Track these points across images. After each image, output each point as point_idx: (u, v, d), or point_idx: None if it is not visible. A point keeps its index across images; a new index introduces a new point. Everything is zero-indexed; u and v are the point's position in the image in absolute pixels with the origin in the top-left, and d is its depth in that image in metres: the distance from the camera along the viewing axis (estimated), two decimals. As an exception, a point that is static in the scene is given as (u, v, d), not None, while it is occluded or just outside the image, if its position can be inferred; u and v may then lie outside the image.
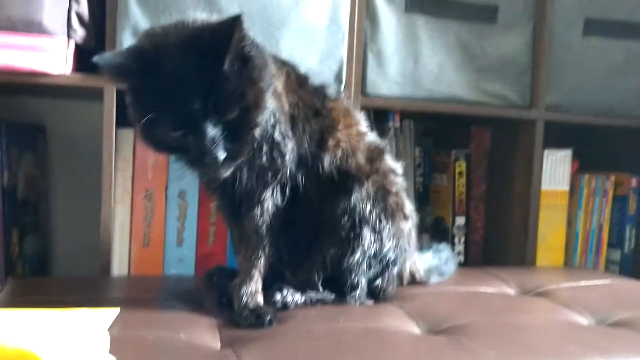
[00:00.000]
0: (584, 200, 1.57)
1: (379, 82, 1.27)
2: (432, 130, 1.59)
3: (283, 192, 0.91)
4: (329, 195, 0.94)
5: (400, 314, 0.89)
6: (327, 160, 0.94)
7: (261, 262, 0.90)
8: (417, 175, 1.49)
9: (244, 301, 0.84)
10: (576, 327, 0.86)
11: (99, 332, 0.65)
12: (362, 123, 1.03)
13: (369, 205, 0.94)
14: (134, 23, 1.08)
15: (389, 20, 1.27)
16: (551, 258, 1.51)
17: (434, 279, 1.10)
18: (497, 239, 1.50)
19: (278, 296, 0.90)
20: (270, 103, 0.83)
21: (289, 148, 0.90)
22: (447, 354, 0.71)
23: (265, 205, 0.90)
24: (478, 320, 0.84)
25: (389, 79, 1.27)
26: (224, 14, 1.11)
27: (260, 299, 0.87)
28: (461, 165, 1.48)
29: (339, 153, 0.95)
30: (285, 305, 0.90)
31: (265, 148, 0.86)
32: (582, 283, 1.12)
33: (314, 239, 0.95)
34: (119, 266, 1.19)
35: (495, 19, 1.34)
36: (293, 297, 0.91)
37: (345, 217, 0.93)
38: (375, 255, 0.95)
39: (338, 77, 1.21)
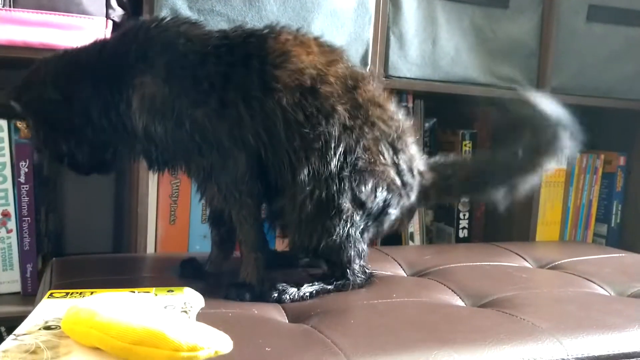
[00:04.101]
0: (575, 178, 1.66)
1: (400, 64, 1.31)
2: (436, 110, 1.64)
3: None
4: (293, 155, 0.85)
5: (442, 288, 0.94)
6: (284, 99, 0.84)
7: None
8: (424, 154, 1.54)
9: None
10: (604, 298, 0.94)
11: (195, 309, 0.69)
12: (333, 52, 0.91)
13: (343, 167, 0.85)
14: (172, 3, 1.08)
15: (410, 3, 1.30)
16: (547, 232, 1.61)
17: None
18: (498, 216, 1.57)
19: (274, 293, 0.85)
20: None
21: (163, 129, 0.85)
22: (506, 326, 0.77)
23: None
24: (518, 294, 0.91)
25: (410, 61, 1.32)
26: (260, -4, 1.14)
27: None
28: (467, 145, 1.54)
29: (305, 80, 0.85)
30: (280, 301, 0.85)
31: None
32: (591, 257, 1.20)
33: (284, 218, 0.90)
34: (146, 244, 1.22)
35: (507, 4, 1.40)
36: (288, 292, 0.86)
37: (316, 190, 0.84)
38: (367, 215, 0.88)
39: (364, 60, 1.25)
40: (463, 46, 1.37)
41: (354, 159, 0.86)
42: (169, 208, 1.27)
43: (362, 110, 0.88)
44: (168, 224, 1.27)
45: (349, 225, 0.86)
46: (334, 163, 0.85)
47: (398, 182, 0.91)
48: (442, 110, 1.63)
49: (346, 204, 0.86)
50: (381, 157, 0.89)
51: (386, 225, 0.93)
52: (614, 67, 1.51)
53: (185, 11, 1.09)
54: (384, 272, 1.02)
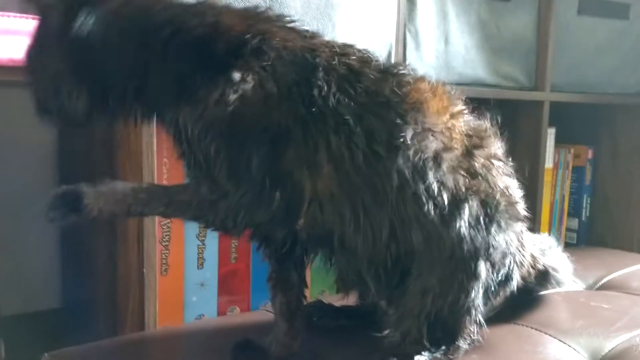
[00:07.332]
0: (550, 173, 1.61)
1: (417, 66, 1.14)
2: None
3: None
4: (398, 222, 0.71)
5: (544, 338, 0.83)
6: (410, 155, 0.70)
7: None
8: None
9: None
10: None
11: None
12: (457, 101, 0.78)
13: (476, 227, 0.72)
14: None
15: (424, -5, 1.14)
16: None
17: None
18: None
19: None
20: None
21: None
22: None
23: None
24: (631, 343, 0.81)
25: (426, 63, 1.17)
26: (282, -7, 0.92)
27: None
28: (462, 148, 1.43)
29: (433, 145, 0.71)
30: None
31: None
32: (630, 268, 1.15)
33: (399, 283, 0.75)
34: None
35: (509, -4, 1.29)
36: None
37: (448, 249, 0.71)
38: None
39: (388, 64, 1.07)
40: (471, 44, 1.24)
41: (484, 222, 0.73)
42: (159, 255, 1.01)
43: (480, 177, 0.74)
44: (160, 274, 1.01)
45: (480, 289, 0.72)
46: (463, 227, 0.71)
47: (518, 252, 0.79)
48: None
49: (482, 265, 0.72)
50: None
51: (501, 296, 0.81)
52: (599, 61, 1.47)
53: (195, 10, 0.84)
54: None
